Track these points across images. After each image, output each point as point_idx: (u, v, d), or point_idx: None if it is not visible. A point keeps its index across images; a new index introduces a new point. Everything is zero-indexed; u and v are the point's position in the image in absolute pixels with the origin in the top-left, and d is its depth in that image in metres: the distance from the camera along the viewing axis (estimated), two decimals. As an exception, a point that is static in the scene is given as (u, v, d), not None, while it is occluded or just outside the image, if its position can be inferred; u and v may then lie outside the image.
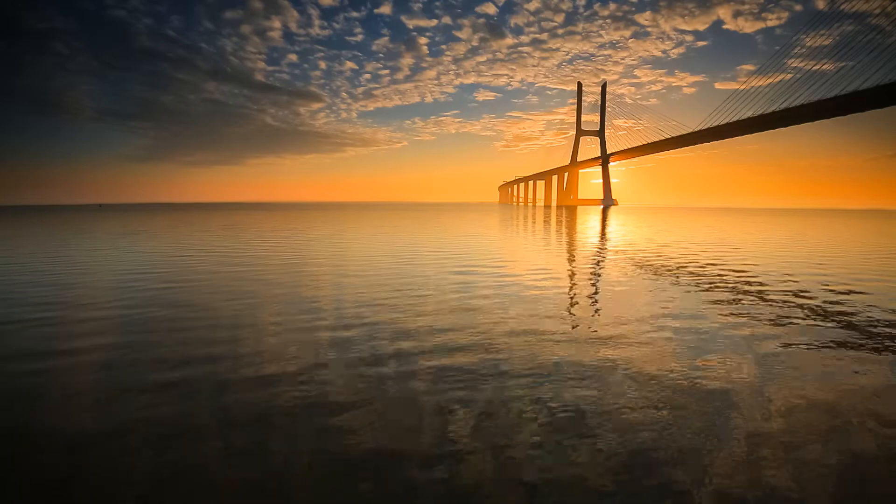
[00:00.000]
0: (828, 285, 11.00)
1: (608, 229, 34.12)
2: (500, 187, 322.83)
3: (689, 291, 10.01)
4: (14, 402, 4.41)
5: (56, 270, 13.05)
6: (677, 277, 11.90)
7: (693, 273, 12.81)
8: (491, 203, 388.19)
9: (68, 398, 4.46)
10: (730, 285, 10.88)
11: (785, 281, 11.59)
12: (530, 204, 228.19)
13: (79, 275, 12.34)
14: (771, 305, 8.71)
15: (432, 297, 9.08)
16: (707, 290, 10.26)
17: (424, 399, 4.38)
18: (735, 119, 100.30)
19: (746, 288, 10.53)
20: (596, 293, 9.83)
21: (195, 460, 3.38)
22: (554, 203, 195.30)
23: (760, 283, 11.14)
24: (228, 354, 5.73)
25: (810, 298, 9.41)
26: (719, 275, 12.49)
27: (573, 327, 7.03)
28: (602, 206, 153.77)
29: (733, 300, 9.18)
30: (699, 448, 3.53)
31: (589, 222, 45.33)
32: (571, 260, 15.60)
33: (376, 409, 4.23)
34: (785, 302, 9.03)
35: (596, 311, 8.15)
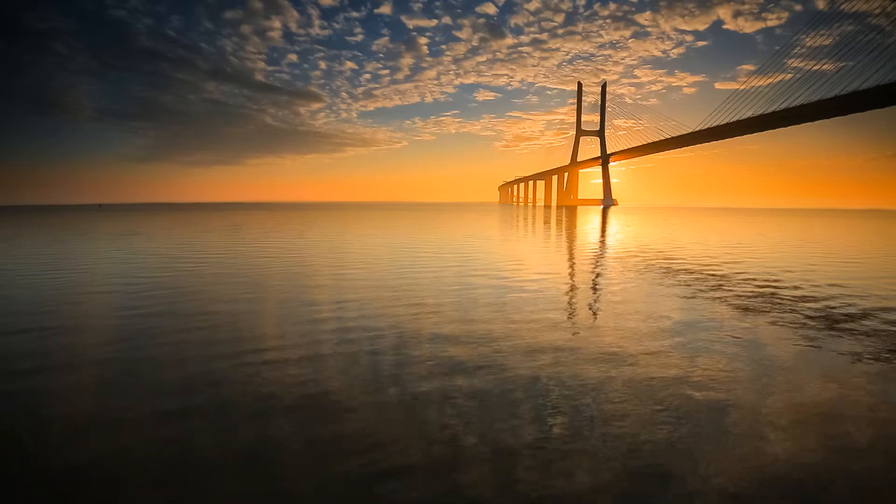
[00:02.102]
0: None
1: (615, 231, 33.54)
2: (500, 187, 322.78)
3: (733, 307, 8.79)
4: None
5: (51, 282, 12.98)
6: (708, 289, 10.71)
7: (726, 284, 11.50)
8: (491, 203, 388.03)
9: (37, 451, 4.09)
10: (771, 297, 9.77)
11: (835, 294, 10.24)
12: (530, 204, 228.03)
13: (73, 285, 12.29)
14: (842, 334, 7.08)
15: (433, 316, 8.65)
16: (755, 309, 8.74)
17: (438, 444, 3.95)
18: (735, 119, 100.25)
19: (797, 305, 9.04)
20: (623, 312, 8.41)
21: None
22: (554, 203, 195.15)
23: (811, 299, 9.68)
24: (224, 370, 5.69)
25: (868, 316, 8.20)
26: (756, 285, 11.29)
27: (607, 362, 5.77)
28: (602, 207, 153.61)
29: (785, 319, 7.90)
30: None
31: (593, 223, 45.02)
32: (585, 268, 14.32)
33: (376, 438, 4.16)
34: (848, 324, 7.70)
35: (630, 336, 6.81)
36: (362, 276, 12.28)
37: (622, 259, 16.63)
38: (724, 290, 10.72)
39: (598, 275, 12.92)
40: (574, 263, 15.32)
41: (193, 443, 3.81)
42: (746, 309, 8.75)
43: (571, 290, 10.57)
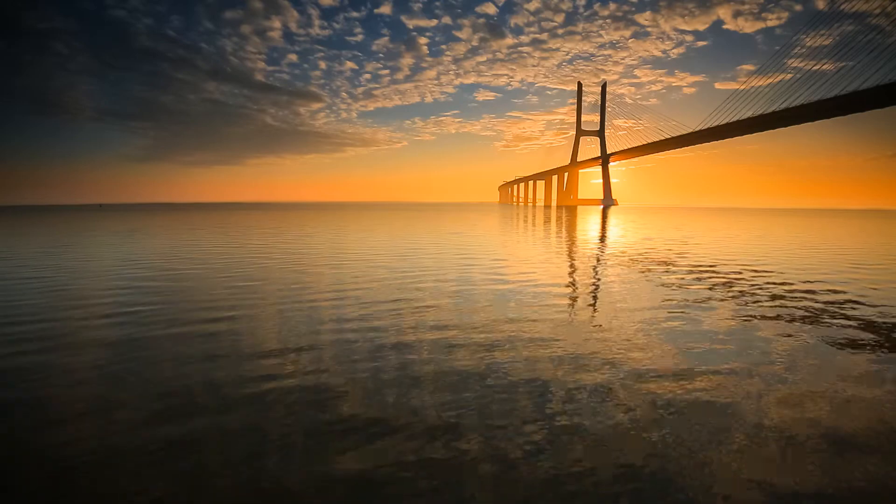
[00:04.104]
0: None
1: (620, 232, 32.46)
2: (500, 187, 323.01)
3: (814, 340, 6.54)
4: None
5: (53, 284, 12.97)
6: (760, 314, 8.15)
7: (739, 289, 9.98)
8: (491, 203, 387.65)
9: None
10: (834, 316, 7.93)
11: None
12: (530, 204, 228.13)
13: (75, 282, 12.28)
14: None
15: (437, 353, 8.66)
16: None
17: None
18: (735, 119, 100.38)
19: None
20: (657, 334, 6.83)
21: None
22: (554, 203, 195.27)
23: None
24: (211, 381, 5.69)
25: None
26: (819, 305, 8.89)
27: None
28: (602, 206, 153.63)
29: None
30: None
31: (595, 224, 44.39)
32: (599, 275, 12.72)
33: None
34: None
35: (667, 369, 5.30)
36: (359, 287, 12.26)
37: (662, 270, 16.61)
38: (735, 294, 10.74)
39: (631, 293, 12.86)
40: (599, 275, 15.28)
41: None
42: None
43: (602, 311, 10.56)
